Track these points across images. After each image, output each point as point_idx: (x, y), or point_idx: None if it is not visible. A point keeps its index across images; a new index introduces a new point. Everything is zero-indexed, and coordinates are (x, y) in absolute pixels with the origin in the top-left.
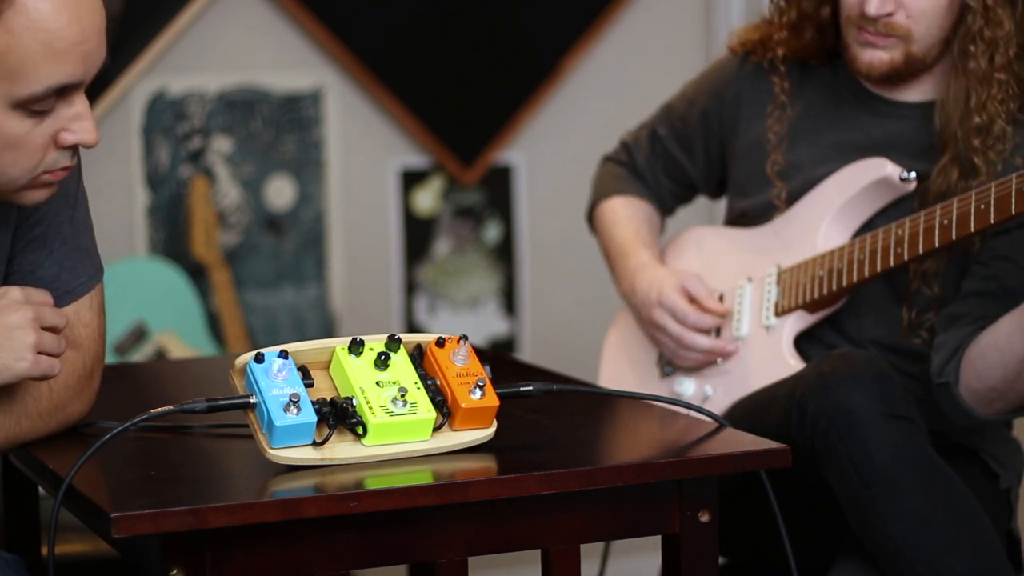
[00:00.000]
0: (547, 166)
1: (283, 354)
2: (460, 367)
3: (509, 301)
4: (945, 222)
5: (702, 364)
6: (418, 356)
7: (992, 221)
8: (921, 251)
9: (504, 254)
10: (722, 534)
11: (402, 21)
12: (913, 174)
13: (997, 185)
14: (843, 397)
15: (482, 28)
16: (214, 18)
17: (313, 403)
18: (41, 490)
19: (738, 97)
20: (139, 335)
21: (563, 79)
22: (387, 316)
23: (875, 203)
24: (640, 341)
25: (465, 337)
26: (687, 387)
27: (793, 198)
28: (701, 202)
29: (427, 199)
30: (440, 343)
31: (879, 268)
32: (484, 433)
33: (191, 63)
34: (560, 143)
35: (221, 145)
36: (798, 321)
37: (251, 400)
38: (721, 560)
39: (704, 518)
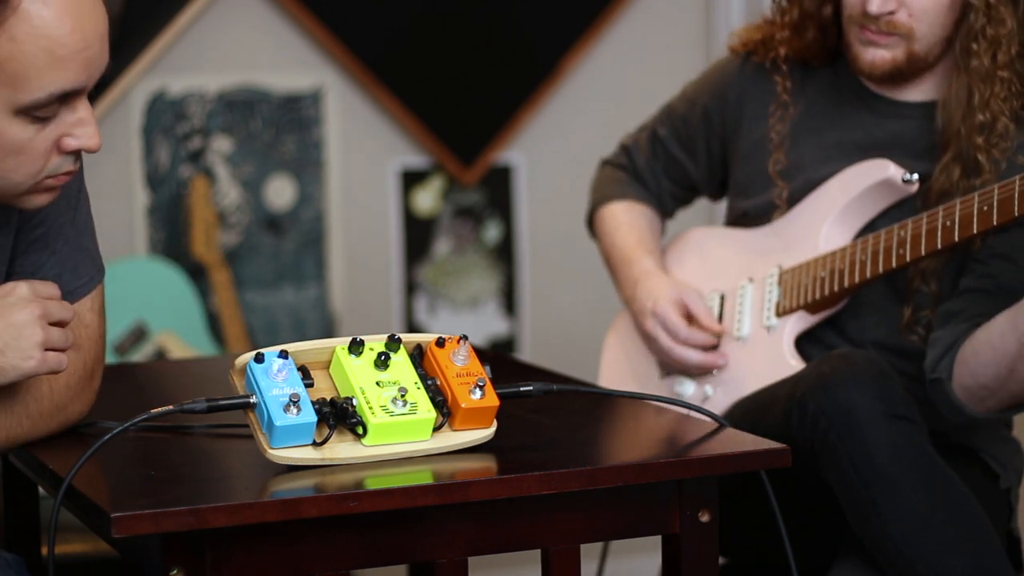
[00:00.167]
0: (547, 166)
1: (283, 354)
2: (460, 367)
3: (509, 301)
4: (948, 223)
5: (697, 372)
6: (418, 356)
7: (995, 223)
8: (923, 252)
9: (504, 254)
10: (722, 534)
11: (402, 21)
12: (916, 176)
13: (1000, 187)
14: (843, 397)
15: (482, 28)
16: (214, 18)
17: (313, 403)
18: (41, 490)
19: (741, 97)
20: (139, 335)
21: (563, 79)
22: (387, 316)
23: (877, 204)
24: (640, 341)
25: (465, 337)
26: (687, 387)
27: (795, 198)
28: (701, 203)
29: (427, 199)
30: (440, 343)
31: (881, 269)
32: (484, 433)
33: (191, 63)
34: (560, 143)
35: (221, 145)
36: (799, 322)
37: (251, 400)
38: (721, 560)
39: (704, 518)
